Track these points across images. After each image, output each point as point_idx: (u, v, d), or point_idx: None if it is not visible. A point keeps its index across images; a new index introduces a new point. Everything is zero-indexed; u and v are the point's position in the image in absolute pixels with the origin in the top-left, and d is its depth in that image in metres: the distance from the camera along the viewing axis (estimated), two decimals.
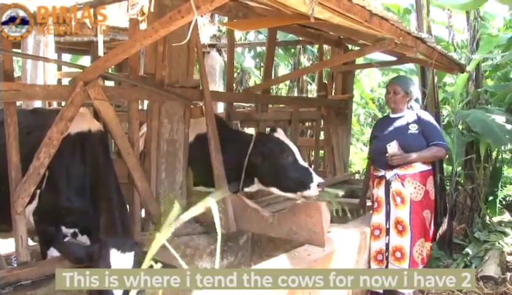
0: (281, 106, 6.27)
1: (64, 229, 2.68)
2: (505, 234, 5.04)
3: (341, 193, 3.95)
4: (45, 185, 2.55)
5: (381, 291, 3.29)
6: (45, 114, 3.07)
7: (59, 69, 6.78)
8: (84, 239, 2.71)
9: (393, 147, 3.20)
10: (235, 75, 8.12)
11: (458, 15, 7.00)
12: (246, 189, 3.60)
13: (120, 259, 2.12)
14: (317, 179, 3.20)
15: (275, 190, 3.43)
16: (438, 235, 4.60)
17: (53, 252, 2.65)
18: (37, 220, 2.63)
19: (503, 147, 6.00)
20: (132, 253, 2.15)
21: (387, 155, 3.22)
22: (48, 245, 2.67)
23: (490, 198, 5.91)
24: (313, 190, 3.18)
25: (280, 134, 3.44)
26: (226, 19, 4.67)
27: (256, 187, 3.56)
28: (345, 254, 3.01)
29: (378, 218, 3.34)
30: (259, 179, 3.44)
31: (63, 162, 2.59)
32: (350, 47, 5.58)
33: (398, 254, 3.21)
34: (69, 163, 2.63)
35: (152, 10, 3.15)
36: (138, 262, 2.10)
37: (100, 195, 2.53)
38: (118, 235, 2.32)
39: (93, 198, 2.60)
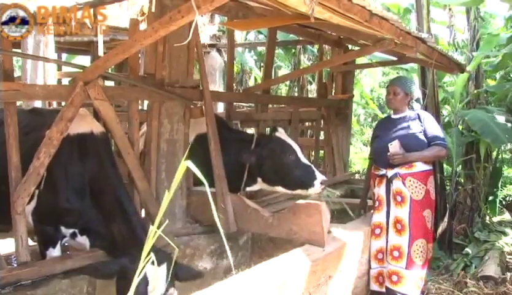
0: (281, 106, 6.27)
1: (63, 229, 2.68)
2: (505, 234, 5.03)
3: (337, 193, 3.98)
4: (43, 186, 2.55)
5: (383, 290, 3.29)
6: (43, 114, 3.06)
7: (59, 69, 6.78)
8: (83, 239, 2.71)
9: (394, 147, 3.22)
10: (235, 75, 8.11)
11: (458, 15, 6.98)
12: (248, 189, 3.63)
13: (155, 272, 2.17)
14: (320, 176, 3.28)
15: (279, 189, 3.49)
16: (437, 234, 4.60)
17: (52, 253, 2.65)
18: (36, 220, 2.63)
19: (502, 147, 5.99)
20: (165, 265, 2.22)
21: (388, 154, 3.23)
22: (47, 245, 2.67)
23: (490, 198, 5.90)
24: (316, 188, 3.25)
25: (281, 133, 3.47)
26: (226, 19, 4.67)
27: (258, 186, 3.60)
28: (346, 254, 3.01)
29: (379, 217, 3.35)
30: (262, 178, 3.47)
31: (62, 163, 2.58)
32: (350, 46, 5.58)
33: (395, 253, 3.21)
34: (68, 164, 2.62)
35: (153, 10, 3.15)
36: (169, 272, 2.20)
37: (110, 200, 2.55)
38: (140, 245, 2.34)
39: (94, 200, 2.59)
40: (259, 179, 3.49)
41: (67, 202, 2.59)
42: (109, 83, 5.08)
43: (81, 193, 2.61)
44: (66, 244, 2.85)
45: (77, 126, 2.62)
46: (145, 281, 2.12)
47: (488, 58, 6.05)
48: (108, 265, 2.29)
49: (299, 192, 3.41)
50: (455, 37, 6.57)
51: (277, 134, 3.45)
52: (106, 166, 2.64)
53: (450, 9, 6.59)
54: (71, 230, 2.69)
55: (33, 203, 2.59)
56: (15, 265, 2.86)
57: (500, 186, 6.16)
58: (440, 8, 6.97)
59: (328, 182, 3.52)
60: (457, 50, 6.48)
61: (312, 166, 3.41)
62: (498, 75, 6.58)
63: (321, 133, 5.89)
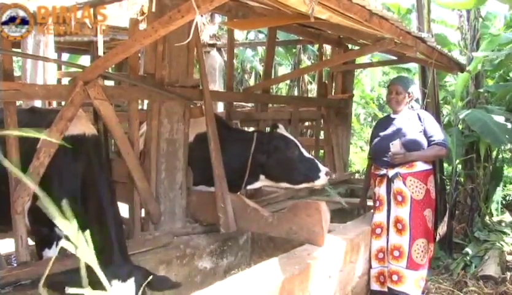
0: (281, 105, 6.28)
1: (57, 231, 2.66)
2: (505, 234, 5.03)
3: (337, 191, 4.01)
4: (38, 185, 2.53)
5: (385, 290, 3.29)
6: (42, 113, 3.06)
7: (59, 68, 6.78)
8: None
9: (395, 146, 3.22)
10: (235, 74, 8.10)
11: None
12: (249, 186, 3.65)
13: (122, 289, 2.13)
14: (323, 168, 3.37)
15: (285, 185, 3.54)
16: (438, 234, 4.60)
17: (48, 253, 2.63)
18: (31, 221, 2.60)
19: (502, 147, 5.99)
20: (132, 279, 2.17)
21: (389, 153, 3.23)
22: (42, 246, 2.66)
23: (493, 198, 5.89)
24: (322, 179, 3.34)
25: (282, 129, 3.51)
26: (226, 18, 4.66)
27: (260, 183, 3.63)
28: (346, 254, 3.01)
29: (380, 217, 3.35)
30: (266, 175, 3.50)
31: (56, 163, 2.54)
32: (350, 46, 5.58)
33: (396, 253, 3.21)
34: (61, 164, 2.58)
35: (154, 9, 3.15)
36: (140, 286, 2.14)
37: (92, 206, 2.49)
38: (116, 258, 2.28)
39: (84, 203, 2.55)
40: (262, 176, 3.52)
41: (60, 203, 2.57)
42: (109, 83, 5.08)
43: (74, 195, 2.58)
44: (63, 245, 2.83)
45: (71, 127, 2.60)
46: None
47: (489, 58, 6.03)
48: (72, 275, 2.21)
49: (303, 186, 3.47)
50: (466, 37, 6.52)
51: (278, 130, 3.50)
52: (94, 170, 2.58)
53: (459, 9, 6.54)
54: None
55: (29, 203, 2.57)
56: (15, 265, 2.86)
57: (502, 186, 6.14)
58: (445, 7, 6.94)
59: (331, 173, 3.61)
60: (466, 49, 6.43)
61: (315, 159, 3.50)
62: (497, 75, 6.56)
63: (321, 132, 5.90)
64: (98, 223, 2.42)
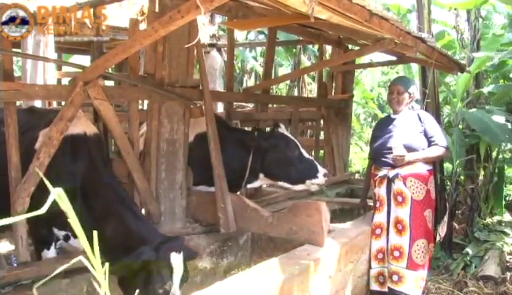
0: (281, 105, 6.28)
1: (56, 231, 2.66)
2: (505, 234, 5.03)
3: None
4: (36, 185, 2.52)
5: (385, 290, 3.29)
6: (41, 113, 3.06)
7: (59, 69, 6.78)
8: (76, 243, 2.69)
9: (397, 149, 3.22)
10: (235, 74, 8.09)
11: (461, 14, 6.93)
12: (249, 186, 3.66)
13: (177, 260, 2.26)
14: (321, 169, 3.43)
15: (284, 184, 3.55)
16: (438, 234, 4.60)
17: (47, 254, 2.63)
18: (29, 221, 2.58)
19: (502, 147, 5.98)
20: (182, 253, 2.30)
21: (391, 155, 3.23)
22: (41, 247, 2.66)
23: (497, 198, 5.87)
24: (320, 179, 3.38)
25: (283, 129, 3.54)
26: (226, 19, 4.66)
27: (259, 182, 3.66)
28: (345, 254, 3.01)
29: (380, 217, 3.35)
30: (266, 174, 3.52)
31: (54, 163, 2.54)
32: (350, 46, 5.58)
33: (396, 253, 3.21)
34: (59, 164, 2.58)
35: (157, 10, 3.15)
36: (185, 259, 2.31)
37: (104, 200, 2.53)
38: (157, 234, 2.41)
39: (87, 202, 2.56)
40: (261, 175, 3.54)
41: (58, 203, 2.56)
42: (109, 83, 5.07)
43: (73, 195, 2.57)
44: (61, 246, 2.82)
45: (72, 127, 2.60)
46: (170, 269, 2.21)
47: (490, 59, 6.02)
48: (133, 258, 2.23)
49: (302, 186, 3.48)
50: (463, 38, 6.50)
51: (279, 129, 3.53)
52: (99, 167, 2.61)
53: (455, 8, 6.54)
54: (64, 233, 2.67)
55: (28, 203, 2.56)
56: (15, 265, 2.86)
57: (504, 186, 6.13)
58: (443, 7, 6.93)
59: (329, 175, 3.64)
60: (465, 49, 6.41)
61: (313, 160, 3.54)
62: (496, 75, 6.55)
63: (321, 132, 5.90)
64: (118, 213, 2.47)
